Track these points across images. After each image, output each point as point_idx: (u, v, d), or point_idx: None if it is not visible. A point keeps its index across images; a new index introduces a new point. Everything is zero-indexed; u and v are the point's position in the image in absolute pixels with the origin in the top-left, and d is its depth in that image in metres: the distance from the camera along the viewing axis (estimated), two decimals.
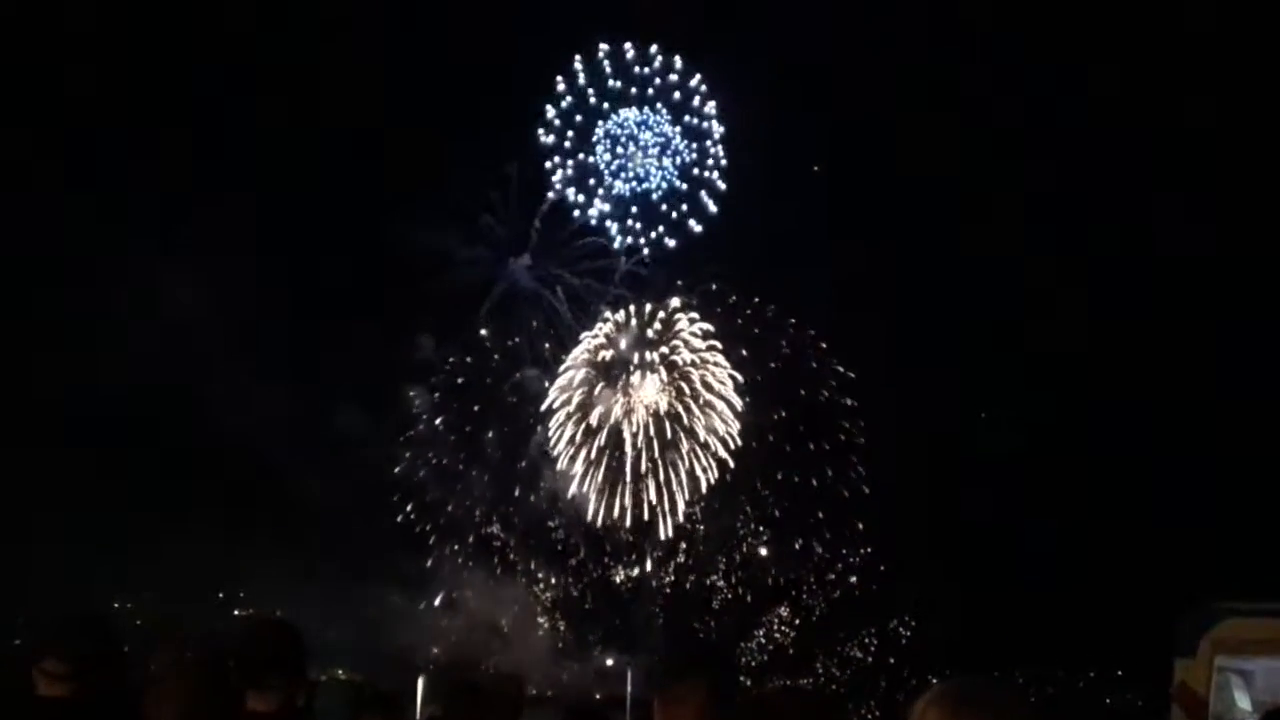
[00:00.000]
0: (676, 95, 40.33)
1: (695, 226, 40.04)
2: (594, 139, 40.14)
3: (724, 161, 40.01)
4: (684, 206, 39.95)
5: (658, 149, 40.21)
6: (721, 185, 40.07)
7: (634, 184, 39.97)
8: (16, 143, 34.45)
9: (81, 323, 34.75)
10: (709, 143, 40.22)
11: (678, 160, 40.14)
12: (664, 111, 40.38)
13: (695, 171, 40.09)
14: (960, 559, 40.31)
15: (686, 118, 40.39)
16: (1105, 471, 40.27)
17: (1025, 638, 43.51)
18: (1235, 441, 38.51)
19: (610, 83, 40.31)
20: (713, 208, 39.97)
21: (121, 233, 33.79)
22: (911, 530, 40.34)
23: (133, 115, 37.68)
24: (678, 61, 40.22)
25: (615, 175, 39.94)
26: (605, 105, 40.24)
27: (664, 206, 39.94)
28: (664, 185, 39.96)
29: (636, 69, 40.34)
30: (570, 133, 40.14)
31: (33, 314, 35.47)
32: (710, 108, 40.22)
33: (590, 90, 40.18)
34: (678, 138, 40.27)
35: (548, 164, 39.84)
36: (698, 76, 40.23)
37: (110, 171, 37.66)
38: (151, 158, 36.99)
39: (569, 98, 40.22)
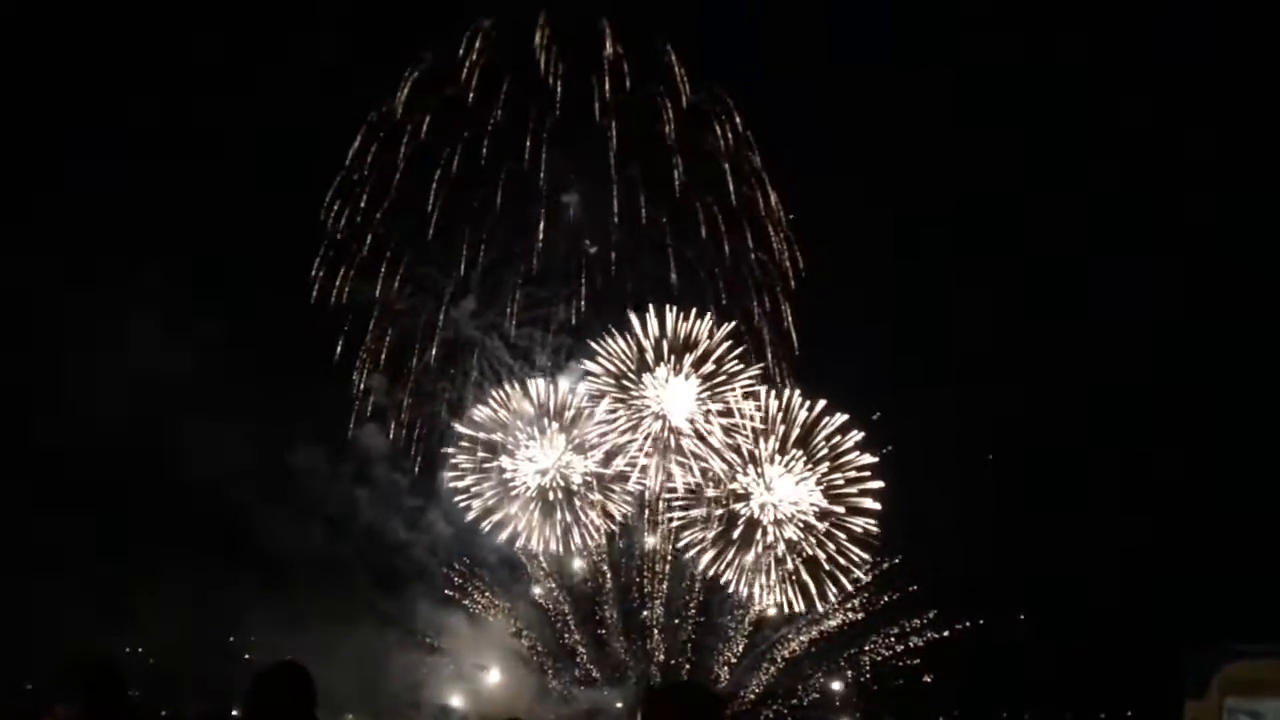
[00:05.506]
0: None
1: None
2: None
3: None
4: None
5: None
6: None
7: None
8: None
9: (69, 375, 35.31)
10: None
11: None
12: None
13: None
14: (969, 601, 40.13)
15: None
16: (1113, 510, 40.25)
17: (1033, 679, 43.24)
18: (1244, 483, 38.54)
19: None
20: None
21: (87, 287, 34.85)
22: (918, 571, 40.14)
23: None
24: None
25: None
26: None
27: None
28: None
29: None
30: None
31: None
32: None
33: None
34: None
35: None
36: None
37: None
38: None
39: None
